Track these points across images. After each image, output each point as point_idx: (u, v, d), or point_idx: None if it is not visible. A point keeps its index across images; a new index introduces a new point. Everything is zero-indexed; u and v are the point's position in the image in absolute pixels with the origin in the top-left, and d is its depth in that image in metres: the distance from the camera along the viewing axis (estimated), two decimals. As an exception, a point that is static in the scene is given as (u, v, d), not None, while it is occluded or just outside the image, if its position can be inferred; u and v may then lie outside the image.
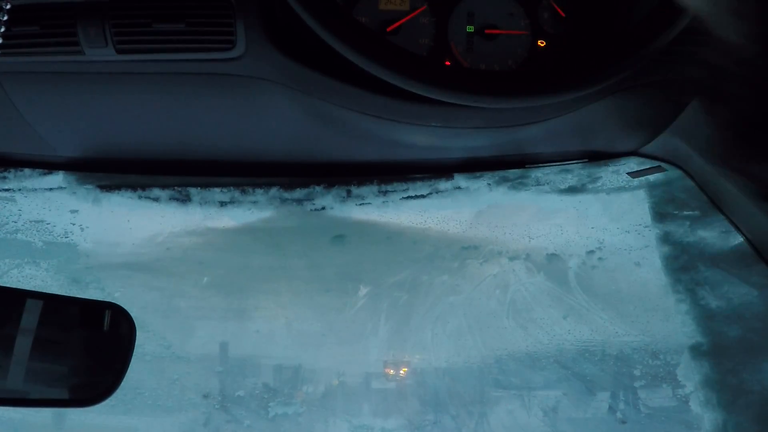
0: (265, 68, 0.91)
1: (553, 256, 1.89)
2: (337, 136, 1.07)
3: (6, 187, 1.28)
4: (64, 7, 0.85)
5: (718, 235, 1.43)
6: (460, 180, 1.30)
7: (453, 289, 2.01)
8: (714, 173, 1.05)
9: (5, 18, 0.64)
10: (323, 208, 1.42)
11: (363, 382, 2.09)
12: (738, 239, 1.38)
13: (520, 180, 1.34)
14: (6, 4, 0.62)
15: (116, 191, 1.33)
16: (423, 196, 1.37)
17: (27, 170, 1.22)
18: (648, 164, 1.22)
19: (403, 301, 2.02)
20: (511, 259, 1.93)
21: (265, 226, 1.60)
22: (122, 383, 0.95)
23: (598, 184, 1.39)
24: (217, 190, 1.36)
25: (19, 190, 1.31)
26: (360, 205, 1.41)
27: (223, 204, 1.42)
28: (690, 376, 1.65)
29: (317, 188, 1.34)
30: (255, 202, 1.39)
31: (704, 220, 1.43)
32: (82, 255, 1.80)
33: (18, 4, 0.84)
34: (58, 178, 1.25)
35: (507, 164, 1.22)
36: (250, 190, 1.35)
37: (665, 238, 1.53)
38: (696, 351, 1.55)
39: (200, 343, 2.02)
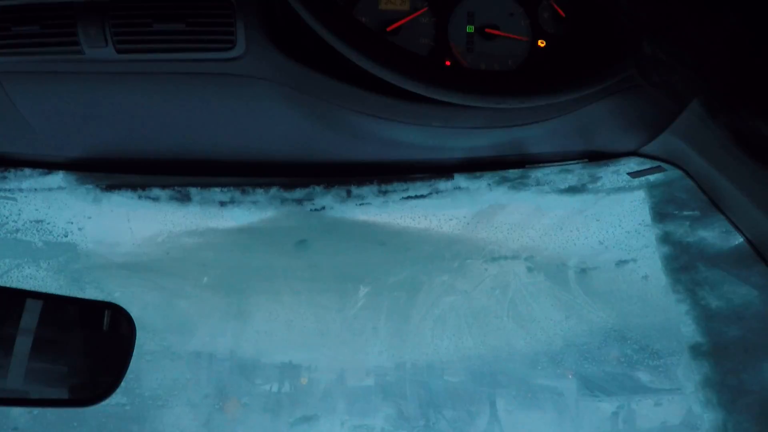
0: (265, 68, 0.91)
1: (553, 257, 1.89)
2: (337, 136, 1.07)
3: (6, 187, 1.28)
4: (64, 7, 0.85)
5: (718, 235, 1.43)
6: (460, 180, 1.30)
7: (452, 288, 2.01)
8: (714, 173, 1.05)
9: None
10: (323, 208, 1.42)
11: (362, 382, 2.09)
12: (738, 239, 1.38)
13: (520, 180, 1.34)
14: None
15: (116, 191, 1.33)
16: (423, 196, 1.37)
17: (27, 170, 1.22)
18: (648, 164, 1.22)
19: (402, 301, 2.02)
20: (511, 259, 1.93)
21: (265, 226, 1.60)
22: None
23: (598, 184, 1.39)
24: (217, 190, 1.36)
25: (20, 190, 1.30)
26: (360, 205, 1.41)
27: (223, 204, 1.42)
28: (690, 376, 1.65)
29: (317, 188, 1.34)
30: (255, 202, 1.39)
31: (704, 220, 1.43)
32: (82, 255, 1.80)
33: (18, 4, 0.84)
34: (58, 178, 1.25)
35: (507, 164, 1.22)
36: (250, 190, 1.35)
37: (665, 238, 1.53)
38: (696, 351, 1.55)
39: (200, 342, 2.02)
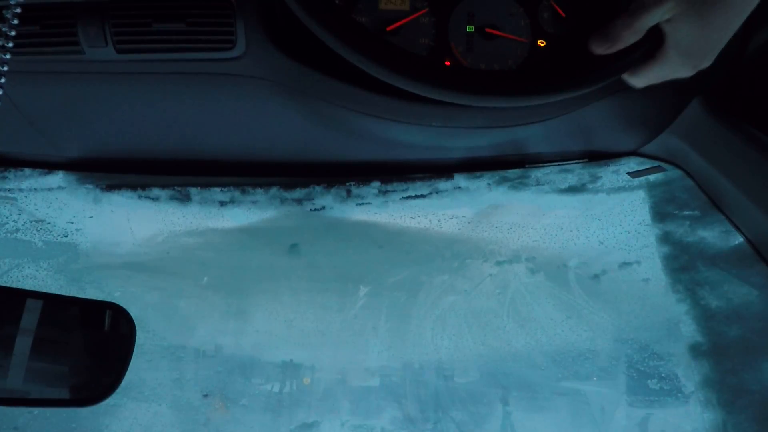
0: (265, 68, 0.91)
1: (554, 257, 1.89)
2: (337, 136, 1.07)
3: (6, 187, 1.28)
4: (64, 7, 0.85)
5: (718, 235, 1.43)
6: (460, 180, 1.30)
7: (452, 288, 2.01)
8: (714, 173, 1.05)
9: (15, 21, 0.64)
10: (323, 208, 1.42)
11: (361, 382, 2.09)
12: (738, 239, 1.38)
13: (520, 180, 1.34)
14: (15, 8, 0.63)
15: (116, 191, 1.33)
16: (423, 196, 1.37)
17: (27, 170, 1.22)
18: (648, 164, 1.22)
19: (402, 301, 2.02)
20: (511, 259, 1.93)
21: (265, 226, 1.60)
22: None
23: (598, 184, 1.39)
24: (217, 190, 1.36)
25: (20, 190, 1.31)
26: (360, 205, 1.41)
27: (223, 204, 1.42)
28: (690, 376, 1.65)
29: (317, 188, 1.34)
30: (255, 202, 1.39)
31: (704, 220, 1.43)
32: (82, 255, 1.80)
33: (18, 4, 0.84)
34: (58, 178, 1.25)
35: (507, 164, 1.22)
36: (250, 190, 1.35)
37: (665, 238, 1.53)
38: (696, 351, 1.55)
39: (200, 342, 2.02)
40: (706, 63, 0.79)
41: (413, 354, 2.08)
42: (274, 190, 1.34)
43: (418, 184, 1.32)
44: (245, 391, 2.05)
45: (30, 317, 0.92)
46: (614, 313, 1.94)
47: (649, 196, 1.47)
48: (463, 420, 2.07)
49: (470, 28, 0.97)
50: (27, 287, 1.00)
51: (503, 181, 1.33)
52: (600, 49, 0.82)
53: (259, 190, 1.35)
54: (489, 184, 1.33)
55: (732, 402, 1.47)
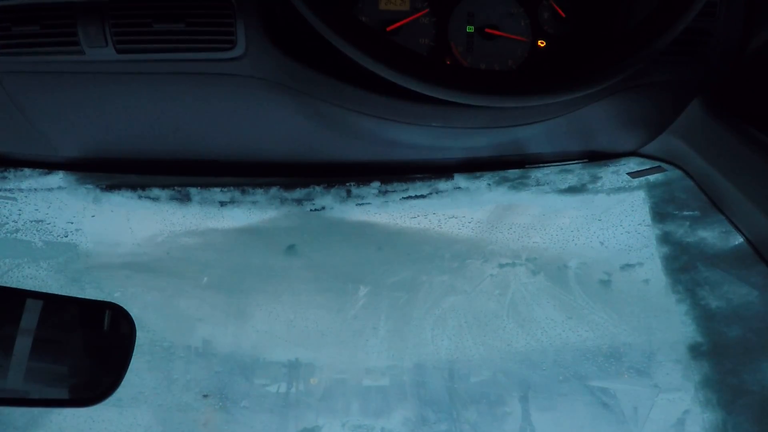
0: (266, 68, 0.91)
1: (554, 257, 1.89)
2: (337, 136, 1.07)
3: (6, 187, 1.29)
4: (64, 7, 0.85)
5: (718, 235, 1.43)
6: (460, 180, 1.30)
7: (452, 288, 2.01)
8: (714, 173, 1.05)
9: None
10: (323, 208, 1.42)
11: (362, 381, 2.09)
12: (738, 239, 1.38)
13: (520, 180, 1.34)
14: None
15: (116, 191, 1.33)
16: (423, 196, 1.37)
17: (27, 170, 1.22)
18: (648, 164, 1.22)
19: (403, 301, 2.02)
20: (512, 259, 1.93)
21: (265, 226, 1.60)
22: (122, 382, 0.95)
23: (598, 184, 1.39)
24: (217, 190, 1.36)
25: (20, 190, 1.31)
26: (360, 205, 1.41)
27: (223, 204, 1.42)
28: (690, 376, 1.65)
29: (317, 188, 1.34)
30: (255, 202, 1.39)
31: (704, 220, 1.43)
32: (82, 255, 1.80)
33: (18, 4, 0.84)
34: (58, 178, 1.25)
35: (507, 164, 1.22)
36: (250, 190, 1.35)
37: (665, 239, 1.53)
38: (696, 351, 1.55)
39: (200, 342, 2.02)
40: None
41: (414, 354, 2.08)
42: (274, 191, 1.34)
43: (418, 184, 1.32)
44: (245, 391, 2.05)
45: (30, 317, 0.92)
46: (614, 314, 1.94)
47: (649, 196, 1.47)
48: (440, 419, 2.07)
49: (470, 28, 0.97)
50: (27, 287, 1.00)
51: (503, 181, 1.33)
52: None
53: (259, 191, 1.35)
54: (489, 184, 1.33)
55: (732, 402, 1.48)
